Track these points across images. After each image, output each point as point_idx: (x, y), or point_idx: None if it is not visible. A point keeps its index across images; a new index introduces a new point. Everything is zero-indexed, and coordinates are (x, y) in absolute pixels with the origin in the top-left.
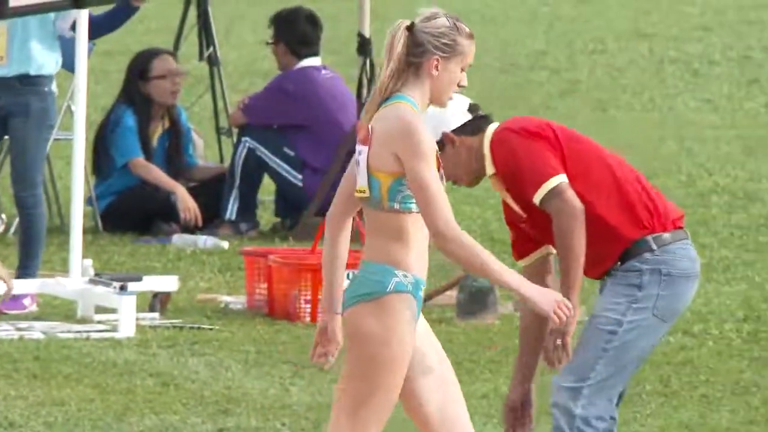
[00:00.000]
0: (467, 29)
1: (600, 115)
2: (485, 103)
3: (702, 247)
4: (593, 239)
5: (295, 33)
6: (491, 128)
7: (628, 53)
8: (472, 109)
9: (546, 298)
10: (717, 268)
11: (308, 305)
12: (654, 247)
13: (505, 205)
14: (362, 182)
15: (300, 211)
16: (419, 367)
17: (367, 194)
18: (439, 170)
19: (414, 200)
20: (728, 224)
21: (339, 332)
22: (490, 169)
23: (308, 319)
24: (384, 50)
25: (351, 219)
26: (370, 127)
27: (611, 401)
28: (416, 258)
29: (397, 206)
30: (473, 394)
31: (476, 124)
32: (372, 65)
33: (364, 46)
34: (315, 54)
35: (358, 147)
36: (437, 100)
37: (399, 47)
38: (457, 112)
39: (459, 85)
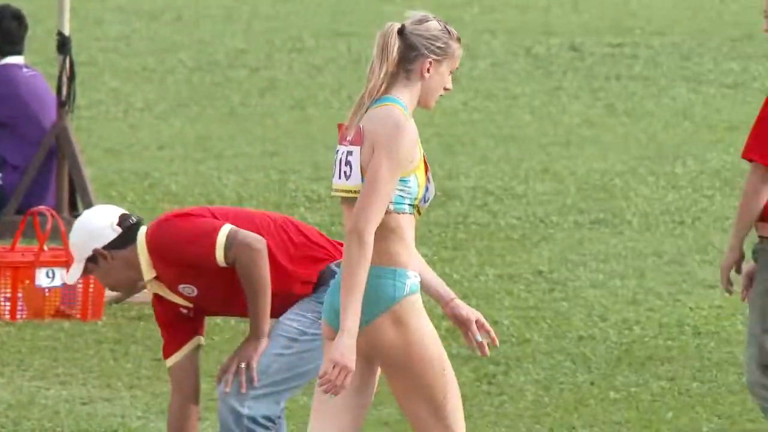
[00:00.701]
0: (456, 33)
1: (298, 114)
2: (184, 102)
3: None
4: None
5: (1, 31)
6: (142, 233)
7: (326, 51)
8: (121, 221)
9: (340, 354)
10: None
11: (7, 303)
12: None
13: (158, 304)
14: (355, 182)
15: (0, 209)
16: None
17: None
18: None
19: (406, 201)
20: (427, 222)
21: (466, 314)
22: (147, 274)
23: (8, 316)
24: (375, 52)
25: None
26: (361, 127)
27: (278, 404)
28: (410, 255)
29: (390, 207)
30: None
31: (125, 237)
32: (72, 63)
33: (64, 45)
34: (19, 53)
35: (347, 147)
36: (426, 102)
37: (394, 50)
38: (107, 226)
39: (445, 89)
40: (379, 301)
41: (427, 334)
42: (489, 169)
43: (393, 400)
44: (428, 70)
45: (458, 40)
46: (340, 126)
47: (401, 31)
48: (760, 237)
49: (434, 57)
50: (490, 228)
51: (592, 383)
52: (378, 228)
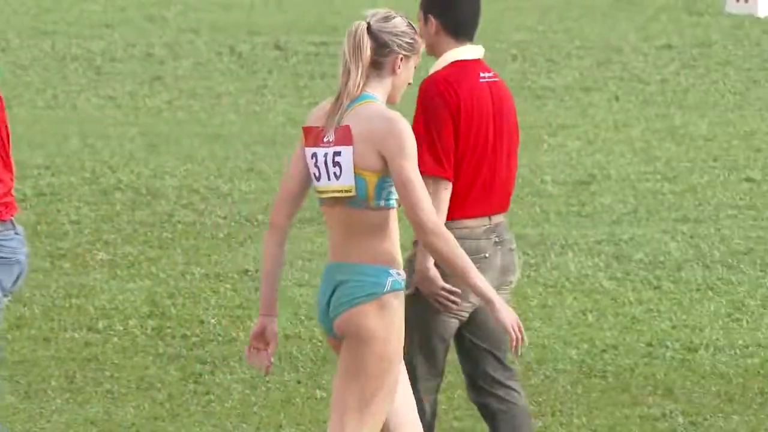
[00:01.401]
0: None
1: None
2: None
3: (106, 244)
4: None
5: None
6: None
7: (30, 50)
8: None
9: (509, 313)
10: (121, 264)
11: None
12: None
13: None
14: (347, 182)
15: None
16: None
17: (353, 193)
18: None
19: (393, 195)
20: (132, 220)
21: (276, 334)
22: None
23: None
24: (347, 53)
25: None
26: (348, 127)
27: None
28: (398, 252)
29: (382, 203)
30: None
31: None
32: None
33: None
34: None
35: (332, 148)
36: (394, 97)
37: (367, 48)
38: None
39: (408, 84)
40: (358, 293)
41: (396, 333)
42: (194, 168)
43: (100, 399)
44: (399, 66)
45: (421, 36)
46: (308, 129)
47: (369, 30)
48: None
49: (404, 53)
50: (196, 227)
51: (298, 382)
52: (361, 223)
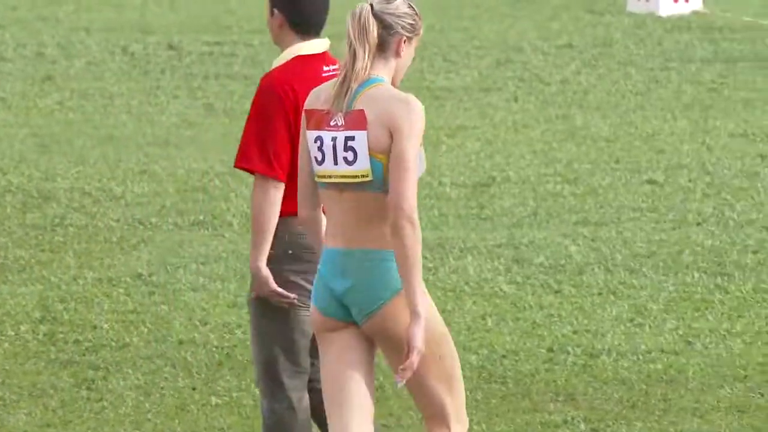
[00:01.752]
0: (417, 9)
1: None
2: None
3: None
4: None
5: None
6: None
7: None
8: None
9: (421, 339)
10: (12, 268)
11: None
12: None
13: None
14: (363, 166)
15: None
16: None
17: (369, 177)
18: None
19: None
20: (23, 224)
21: None
22: None
23: None
24: (352, 35)
25: None
26: (362, 111)
27: None
28: None
29: (387, 186)
30: None
31: None
32: None
33: None
34: None
35: (343, 132)
36: (396, 79)
37: (373, 30)
38: None
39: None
40: (392, 282)
41: (433, 310)
42: (86, 170)
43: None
44: (402, 48)
45: (420, 17)
46: (311, 112)
47: (372, 12)
48: None
49: (407, 34)
50: (89, 230)
51: (193, 388)
52: (372, 208)
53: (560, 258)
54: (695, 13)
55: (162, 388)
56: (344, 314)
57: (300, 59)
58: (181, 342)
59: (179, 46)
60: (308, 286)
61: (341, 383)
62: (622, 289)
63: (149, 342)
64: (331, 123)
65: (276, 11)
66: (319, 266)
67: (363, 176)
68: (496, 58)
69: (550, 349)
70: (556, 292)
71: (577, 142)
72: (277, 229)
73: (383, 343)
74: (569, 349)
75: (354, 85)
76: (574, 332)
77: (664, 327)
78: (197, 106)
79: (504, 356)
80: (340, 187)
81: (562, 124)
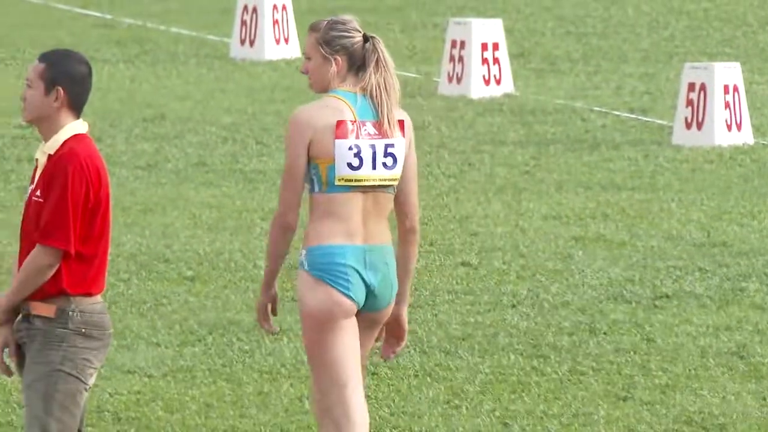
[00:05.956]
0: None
1: None
2: None
3: None
4: None
5: None
6: None
7: None
8: None
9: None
10: None
11: None
12: None
13: None
14: (399, 170)
15: None
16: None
17: (398, 180)
18: None
19: None
20: None
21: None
22: None
23: None
24: (383, 60)
25: None
26: (402, 122)
27: None
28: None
29: (391, 191)
30: None
31: None
32: None
33: None
34: None
35: (383, 140)
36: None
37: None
38: None
39: None
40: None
41: None
42: None
43: None
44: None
45: None
46: (339, 122)
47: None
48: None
49: None
50: None
51: None
52: (385, 208)
53: None
54: (507, 95)
55: None
56: (364, 303)
57: (82, 137)
58: None
59: None
60: (98, 364)
61: (356, 363)
62: (438, 371)
63: None
64: (364, 132)
65: (60, 89)
66: (345, 261)
67: (395, 180)
68: None
69: None
70: (373, 374)
71: (392, 225)
72: (69, 307)
73: (374, 328)
74: (387, 431)
75: (387, 100)
76: (392, 414)
77: (480, 409)
78: (9, 190)
79: None
80: (368, 189)
81: None
